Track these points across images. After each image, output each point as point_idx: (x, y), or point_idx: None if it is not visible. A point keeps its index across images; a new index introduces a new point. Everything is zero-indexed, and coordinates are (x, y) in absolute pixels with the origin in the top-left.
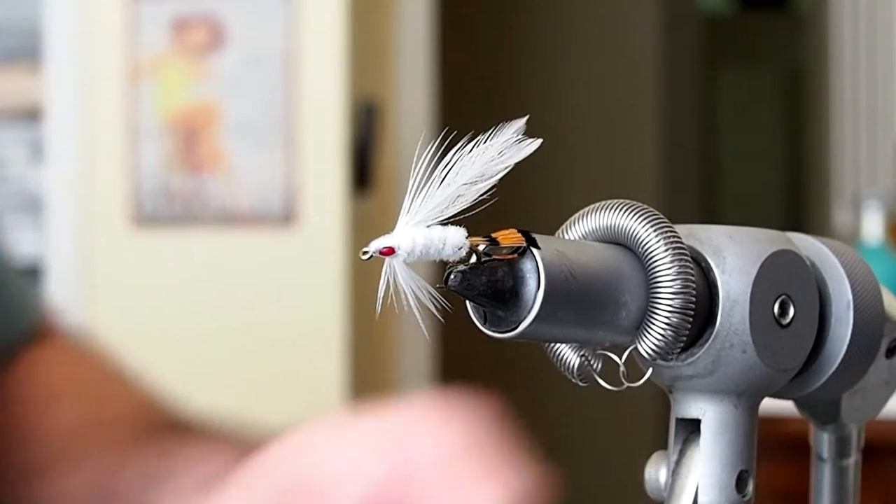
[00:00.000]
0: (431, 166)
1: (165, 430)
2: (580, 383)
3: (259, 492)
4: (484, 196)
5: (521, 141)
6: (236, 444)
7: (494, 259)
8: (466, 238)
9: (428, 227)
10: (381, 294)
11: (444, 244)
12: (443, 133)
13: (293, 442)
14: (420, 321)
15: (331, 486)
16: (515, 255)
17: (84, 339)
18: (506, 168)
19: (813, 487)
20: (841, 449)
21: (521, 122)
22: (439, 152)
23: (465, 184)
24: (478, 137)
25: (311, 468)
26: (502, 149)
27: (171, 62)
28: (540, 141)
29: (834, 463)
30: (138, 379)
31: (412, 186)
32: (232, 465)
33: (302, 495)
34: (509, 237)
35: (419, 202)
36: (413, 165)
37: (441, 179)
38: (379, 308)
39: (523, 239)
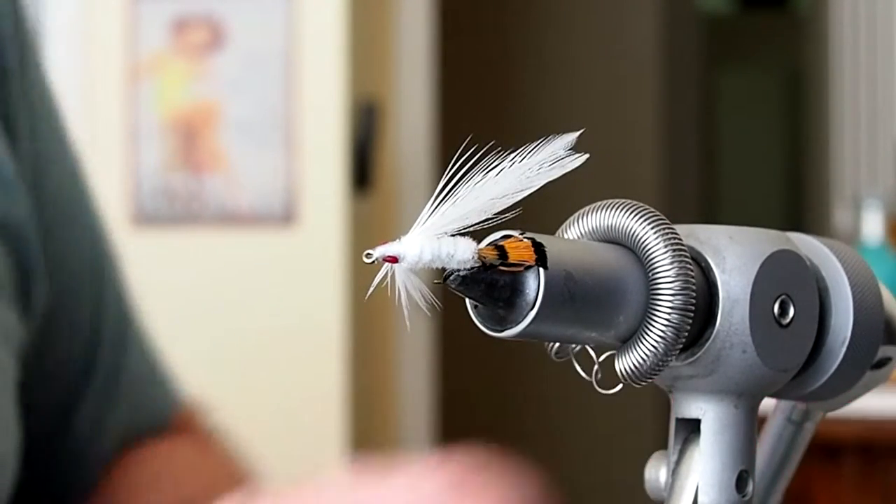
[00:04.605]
0: (453, 175)
1: None
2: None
3: None
4: (503, 212)
5: (544, 167)
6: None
7: (499, 268)
8: (476, 251)
9: (438, 238)
10: (374, 284)
11: (452, 258)
12: (466, 141)
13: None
14: (419, 322)
15: None
16: (521, 269)
17: (212, 436)
18: (529, 190)
19: (767, 441)
20: (806, 415)
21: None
22: (459, 163)
23: (491, 199)
24: (507, 151)
25: None
26: (528, 168)
27: (171, 62)
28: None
29: (798, 425)
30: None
31: (433, 197)
32: None
33: None
34: (520, 251)
35: (436, 211)
36: (424, 168)
37: (463, 193)
38: (369, 295)
39: (534, 257)
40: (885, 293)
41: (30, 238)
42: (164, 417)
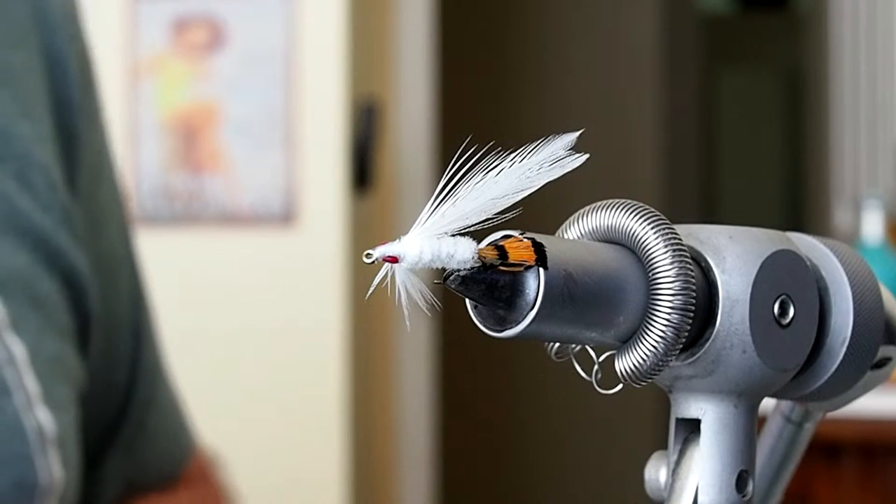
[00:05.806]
0: (453, 175)
1: None
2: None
3: None
4: (503, 212)
5: (544, 167)
6: None
7: (499, 268)
8: (476, 251)
9: (438, 238)
10: (374, 284)
11: (452, 258)
12: (467, 142)
13: None
14: (419, 322)
15: None
16: (521, 269)
17: (223, 490)
18: (529, 190)
19: (767, 441)
20: (806, 415)
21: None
22: (459, 163)
23: (491, 199)
24: (505, 151)
25: None
26: (528, 168)
27: (171, 62)
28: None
29: (798, 426)
30: None
31: (433, 197)
32: None
33: None
34: (520, 251)
35: (436, 211)
36: (424, 168)
37: (463, 193)
38: (369, 295)
39: (534, 257)
40: (885, 293)
41: (88, 290)
42: (174, 469)
